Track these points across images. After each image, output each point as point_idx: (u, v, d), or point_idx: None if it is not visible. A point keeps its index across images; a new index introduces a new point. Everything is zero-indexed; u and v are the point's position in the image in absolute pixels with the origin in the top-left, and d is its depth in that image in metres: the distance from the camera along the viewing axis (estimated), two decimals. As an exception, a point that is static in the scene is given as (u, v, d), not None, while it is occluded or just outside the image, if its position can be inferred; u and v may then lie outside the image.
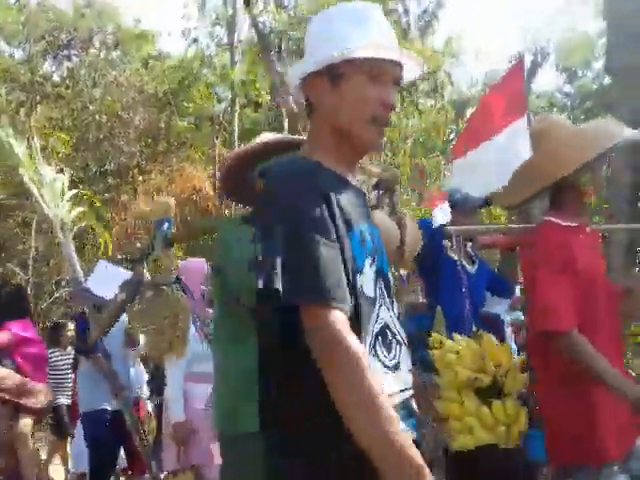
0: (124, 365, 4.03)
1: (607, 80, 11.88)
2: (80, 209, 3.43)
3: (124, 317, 3.53)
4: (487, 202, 3.16)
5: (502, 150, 2.49)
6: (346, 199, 1.15)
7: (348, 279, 1.08)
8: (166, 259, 2.97)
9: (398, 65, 1.21)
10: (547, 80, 23.74)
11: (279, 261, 1.03)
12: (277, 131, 12.42)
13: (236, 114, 10.60)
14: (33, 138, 11.20)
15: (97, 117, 11.70)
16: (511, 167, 2.18)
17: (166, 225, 2.99)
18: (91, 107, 12.00)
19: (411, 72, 1.26)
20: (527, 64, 13.58)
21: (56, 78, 12.56)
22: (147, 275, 2.92)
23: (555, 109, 15.62)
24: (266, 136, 1.88)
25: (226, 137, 11.58)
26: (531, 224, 2.44)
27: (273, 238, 1.05)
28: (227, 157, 2.75)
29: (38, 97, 11.68)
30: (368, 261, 1.16)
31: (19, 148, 3.03)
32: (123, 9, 19.62)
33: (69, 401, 5.98)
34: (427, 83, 11.90)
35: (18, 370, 3.92)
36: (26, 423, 3.91)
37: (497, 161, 2.49)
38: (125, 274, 3.30)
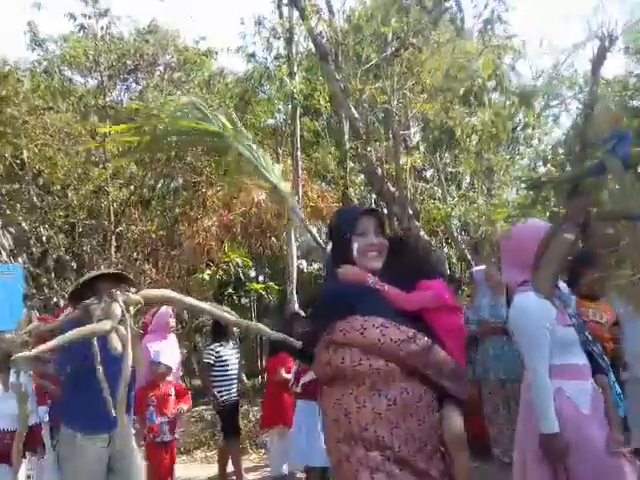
0: None
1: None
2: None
3: None
4: None
5: None
6: None
7: None
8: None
9: None
10: (616, 64, 22.62)
11: None
12: (337, 140, 12.45)
13: (297, 125, 10.74)
14: (108, 161, 11.78)
15: (168, 137, 12.16)
16: None
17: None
18: (160, 127, 12.50)
19: None
20: (593, 50, 13.04)
21: (125, 103, 13.18)
22: None
23: (629, 92, 14.89)
24: None
25: (287, 148, 11.77)
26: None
27: None
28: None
29: (110, 122, 12.30)
30: None
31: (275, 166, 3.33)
32: (184, 31, 20.29)
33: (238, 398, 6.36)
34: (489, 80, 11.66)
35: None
36: None
37: None
38: None
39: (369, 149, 9.83)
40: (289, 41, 10.94)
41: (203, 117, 3.29)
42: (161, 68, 13.36)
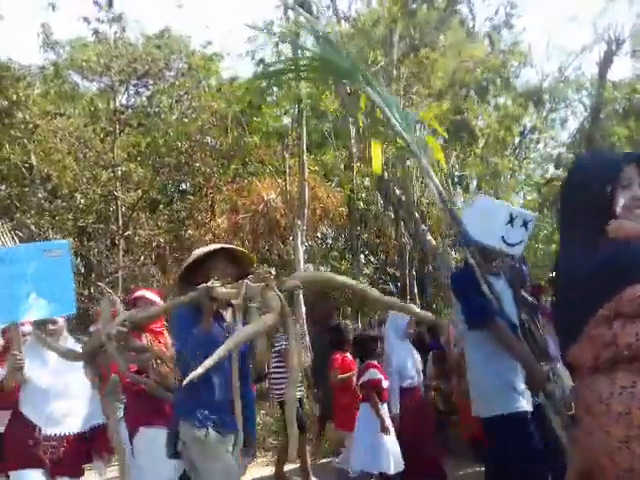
0: None
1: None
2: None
3: None
4: None
5: None
6: None
7: None
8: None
9: None
10: (624, 68, 22.56)
11: None
12: (344, 142, 12.50)
13: (304, 128, 10.79)
14: (117, 165, 11.90)
15: (178, 143, 12.29)
16: None
17: None
18: (170, 132, 12.63)
19: None
20: (600, 53, 13.04)
21: (135, 107, 13.29)
22: None
23: (637, 96, 14.86)
24: None
25: (294, 150, 11.83)
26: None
27: None
28: None
29: (120, 126, 12.41)
30: None
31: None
32: (194, 37, 20.45)
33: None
34: (495, 82, 11.70)
35: None
36: None
37: None
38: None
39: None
40: (295, 44, 11.01)
41: (334, 53, 2.92)
42: (172, 73, 13.47)
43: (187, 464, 2.99)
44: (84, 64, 12.16)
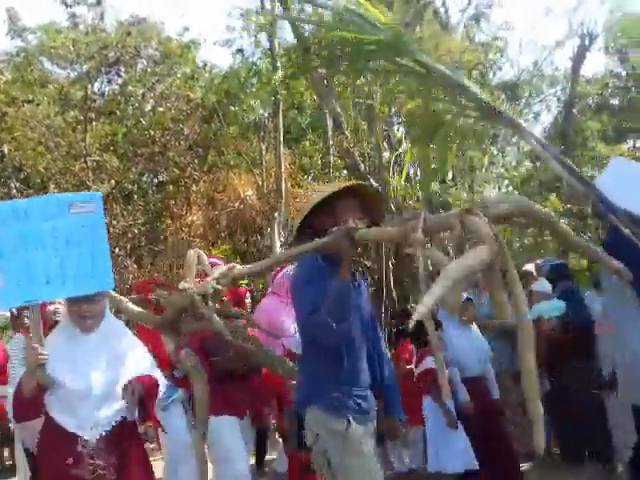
0: None
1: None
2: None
3: None
4: None
5: None
6: None
7: None
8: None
9: None
10: (596, 63, 22.89)
11: None
12: (320, 134, 12.46)
13: (280, 120, 10.71)
14: (89, 155, 11.71)
15: (151, 132, 12.10)
16: None
17: None
18: (143, 121, 12.43)
19: None
20: (574, 49, 13.19)
21: (107, 95, 13.04)
22: None
23: (609, 91, 15.09)
24: None
25: (271, 143, 11.76)
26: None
27: None
28: None
29: (92, 115, 12.16)
30: None
31: None
32: (168, 25, 20.11)
33: None
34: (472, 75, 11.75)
35: None
36: None
37: None
38: None
39: (352, 144, 9.85)
40: (272, 33, 10.91)
41: (364, 25, 2.54)
42: (144, 61, 13.23)
43: (318, 457, 2.45)
44: (52, 51, 11.87)
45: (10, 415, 2.53)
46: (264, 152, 11.77)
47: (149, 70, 13.06)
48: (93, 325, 2.60)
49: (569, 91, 13.15)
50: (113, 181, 12.61)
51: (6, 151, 11.94)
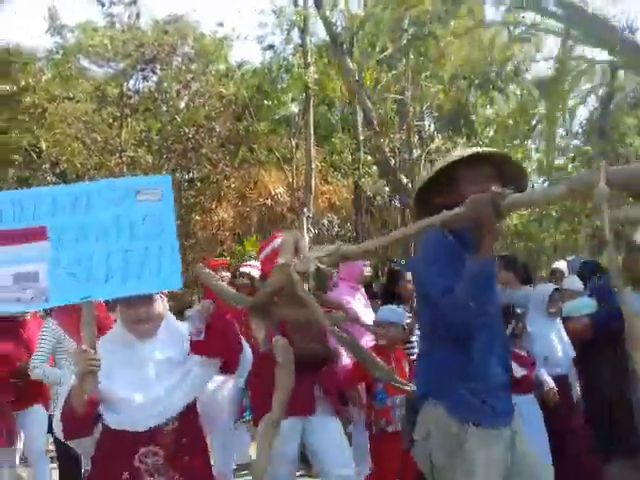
0: None
1: None
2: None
3: None
4: None
5: None
6: None
7: None
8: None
9: None
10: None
11: None
12: (349, 130, 12.41)
13: (311, 116, 10.75)
14: (125, 151, 11.92)
15: (185, 129, 12.29)
16: None
17: None
18: (178, 118, 12.64)
19: None
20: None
21: (142, 92, 13.29)
22: None
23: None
24: None
25: (301, 139, 11.81)
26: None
27: None
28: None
29: (128, 111, 12.42)
30: None
31: None
32: (202, 23, 20.33)
33: None
34: (506, 69, 11.60)
35: None
36: None
37: None
38: None
39: (383, 140, 9.83)
40: (304, 30, 10.96)
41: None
42: (179, 58, 13.43)
43: (421, 459, 2.02)
44: (90, 49, 12.16)
45: (57, 432, 2.16)
46: (294, 149, 11.84)
47: (184, 68, 13.24)
48: (151, 330, 2.23)
49: (607, 86, 12.84)
50: (147, 176, 12.84)
51: (44, 147, 12.28)
